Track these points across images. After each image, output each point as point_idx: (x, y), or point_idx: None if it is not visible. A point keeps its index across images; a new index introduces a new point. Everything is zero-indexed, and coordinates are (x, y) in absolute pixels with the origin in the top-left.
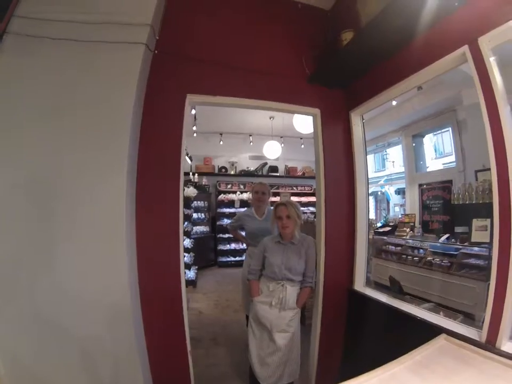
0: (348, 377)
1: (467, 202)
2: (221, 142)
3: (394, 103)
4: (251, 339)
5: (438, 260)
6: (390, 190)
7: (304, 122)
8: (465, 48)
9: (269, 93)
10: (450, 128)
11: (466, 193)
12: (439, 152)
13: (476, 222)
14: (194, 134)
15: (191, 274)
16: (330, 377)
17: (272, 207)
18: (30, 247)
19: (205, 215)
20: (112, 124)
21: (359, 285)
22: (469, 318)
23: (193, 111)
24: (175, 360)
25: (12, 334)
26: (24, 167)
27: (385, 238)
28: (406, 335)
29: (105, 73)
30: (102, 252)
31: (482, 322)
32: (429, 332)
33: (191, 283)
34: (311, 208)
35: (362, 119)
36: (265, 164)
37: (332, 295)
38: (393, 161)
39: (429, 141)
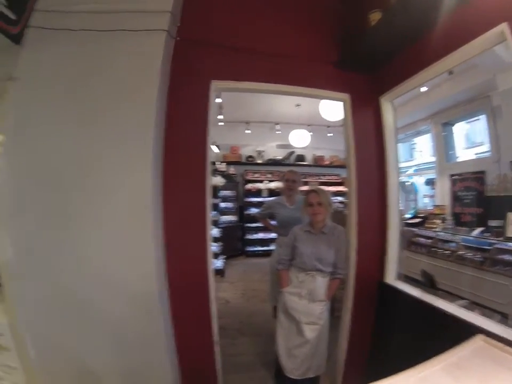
0: (374, 374)
1: (502, 194)
2: (248, 131)
3: (423, 89)
4: (279, 330)
5: (470, 254)
6: (419, 180)
7: (331, 109)
8: (503, 26)
9: (296, 77)
10: (484, 116)
11: (501, 185)
12: (470, 141)
13: (511, 216)
14: (221, 123)
15: (218, 263)
16: (356, 373)
17: (303, 196)
18: (60, 235)
19: (232, 204)
20: (136, 112)
21: (391, 278)
22: (502, 317)
23: (219, 100)
24: (202, 349)
25: (43, 317)
26: (52, 156)
27: (414, 229)
28: (439, 334)
29: (127, 62)
30: (130, 239)
31: None
32: (464, 331)
33: (218, 272)
34: (339, 198)
35: (393, 105)
36: (293, 152)
37: (362, 287)
38: (421, 151)
39: (459, 130)
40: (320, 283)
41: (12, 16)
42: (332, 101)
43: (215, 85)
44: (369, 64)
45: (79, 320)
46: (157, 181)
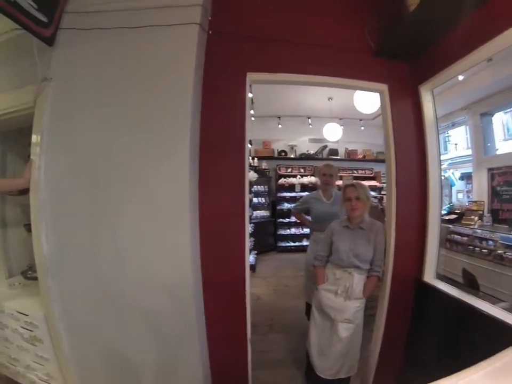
0: (408, 378)
1: None
2: (280, 125)
3: (460, 77)
4: (312, 328)
5: (510, 253)
6: (454, 174)
7: (365, 102)
8: None
9: (331, 68)
10: None
11: None
12: (510, 132)
13: None
14: (252, 118)
15: (251, 259)
16: (389, 375)
17: (339, 191)
18: (96, 229)
19: (265, 199)
20: (172, 107)
21: (429, 276)
22: None
23: (250, 95)
24: (233, 344)
25: (78, 309)
26: (88, 153)
27: (450, 226)
28: (479, 337)
29: (161, 57)
30: (166, 232)
31: None
32: (507, 335)
33: (250, 268)
34: (372, 193)
35: (433, 95)
36: (325, 146)
37: (398, 286)
38: (455, 144)
39: (498, 120)
40: (357, 280)
41: (43, 18)
42: (366, 93)
43: (250, 77)
44: (407, 52)
45: (113, 311)
46: (194, 174)
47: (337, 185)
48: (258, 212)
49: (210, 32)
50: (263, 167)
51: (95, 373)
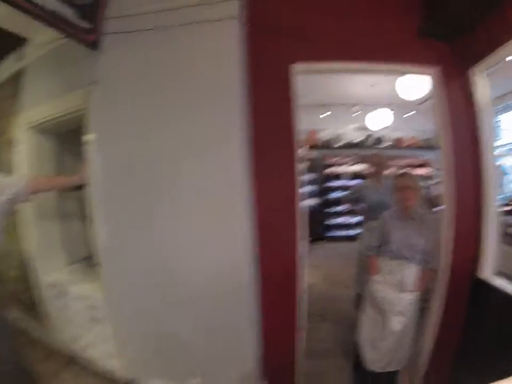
0: (461, 378)
1: None
2: (324, 114)
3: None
4: (363, 319)
5: None
6: (507, 162)
7: (410, 87)
8: None
9: (376, 53)
10: None
11: None
12: None
13: None
14: None
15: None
16: (440, 373)
17: (389, 180)
18: (152, 218)
19: (313, 188)
20: (219, 100)
21: (487, 273)
22: None
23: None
24: (285, 332)
25: (135, 293)
26: (139, 147)
27: (508, 218)
28: None
29: (203, 53)
30: (222, 221)
31: None
32: None
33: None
34: (422, 182)
35: (486, 76)
36: (371, 135)
37: (453, 281)
38: (507, 129)
39: None
40: (410, 272)
41: (86, 25)
42: (411, 78)
43: (294, 68)
44: (458, 31)
45: (167, 296)
46: (246, 165)
47: (387, 174)
48: (307, 201)
49: (248, 25)
50: (311, 156)
51: (148, 352)
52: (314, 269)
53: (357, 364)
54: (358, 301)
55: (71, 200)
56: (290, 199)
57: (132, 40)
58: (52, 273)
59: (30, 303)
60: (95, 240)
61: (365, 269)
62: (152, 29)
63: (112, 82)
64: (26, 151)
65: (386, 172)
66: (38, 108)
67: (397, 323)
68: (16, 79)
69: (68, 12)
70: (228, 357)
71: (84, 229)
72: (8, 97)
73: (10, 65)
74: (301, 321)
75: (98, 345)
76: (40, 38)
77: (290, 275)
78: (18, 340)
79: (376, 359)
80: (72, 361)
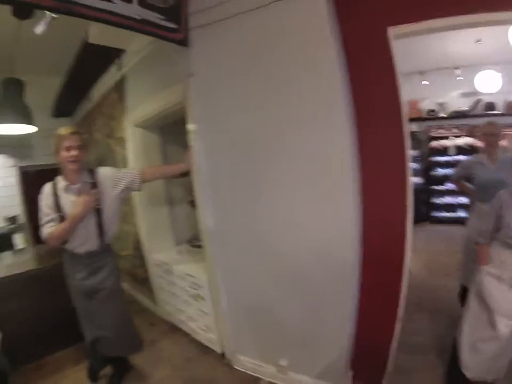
0: None
1: None
2: (424, 82)
3: None
4: (466, 315)
5: None
6: None
7: None
8: None
9: (484, 2)
10: None
11: None
12: None
13: None
14: None
15: None
16: None
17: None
18: (257, 198)
19: (416, 165)
20: (319, 76)
21: None
22: None
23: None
24: (381, 322)
25: (237, 274)
26: (241, 131)
27: None
28: None
29: (293, 29)
30: (328, 200)
31: None
32: None
33: None
34: None
35: None
36: (480, 100)
37: None
38: None
39: None
40: None
41: (173, 26)
42: None
43: (392, 31)
44: None
45: (270, 276)
46: (351, 143)
47: (503, 147)
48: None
49: None
50: (412, 129)
51: (243, 330)
52: (414, 253)
53: (452, 365)
54: (463, 294)
55: (178, 186)
56: (399, 176)
57: (218, 29)
58: (161, 253)
59: (142, 277)
60: (200, 223)
61: (472, 258)
62: (234, 16)
63: (206, 73)
64: (135, 146)
65: (501, 145)
66: (141, 107)
67: (504, 326)
68: (119, 85)
69: (155, 17)
70: (319, 341)
71: (189, 213)
72: (116, 101)
73: (113, 74)
74: (401, 312)
75: (198, 318)
76: (134, 46)
77: (397, 261)
78: (130, 308)
79: (474, 363)
80: (173, 329)
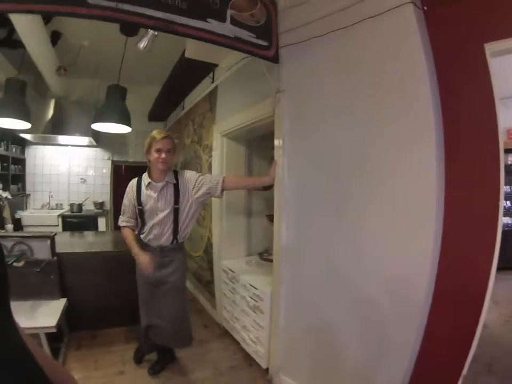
0: None
1: None
2: None
3: None
4: None
5: None
6: None
7: None
8: None
9: None
10: None
11: None
12: None
13: None
14: None
15: None
16: None
17: None
18: (336, 222)
19: (511, 203)
20: (408, 95)
21: None
22: None
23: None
24: (442, 374)
25: (307, 289)
26: (327, 149)
27: None
28: None
29: (383, 47)
30: (408, 230)
31: None
32: None
33: None
34: None
35: None
36: None
37: None
38: None
39: None
40: None
41: (264, 43)
42: None
43: (490, 48)
44: None
45: (338, 298)
46: (439, 169)
47: None
48: (503, 218)
49: (425, 8)
50: (509, 162)
51: (296, 350)
52: (494, 304)
53: None
54: None
55: (259, 199)
56: (489, 214)
57: (308, 48)
58: (230, 260)
59: (206, 280)
60: (274, 237)
61: None
62: (325, 34)
63: (296, 90)
64: (221, 154)
65: None
66: (230, 118)
67: None
68: (211, 96)
69: (247, 35)
70: (372, 377)
71: (265, 227)
72: (207, 111)
73: (206, 86)
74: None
75: (251, 330)
76: (227, 61)
77: (472, 309)
78: (189, 305)
79: None
80: (224, 335)
